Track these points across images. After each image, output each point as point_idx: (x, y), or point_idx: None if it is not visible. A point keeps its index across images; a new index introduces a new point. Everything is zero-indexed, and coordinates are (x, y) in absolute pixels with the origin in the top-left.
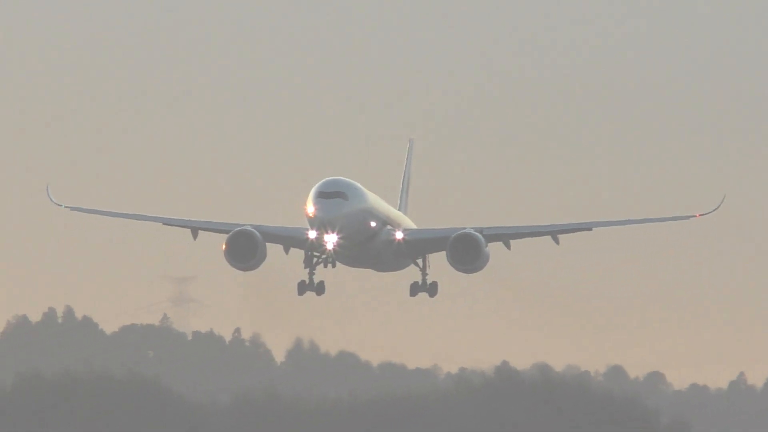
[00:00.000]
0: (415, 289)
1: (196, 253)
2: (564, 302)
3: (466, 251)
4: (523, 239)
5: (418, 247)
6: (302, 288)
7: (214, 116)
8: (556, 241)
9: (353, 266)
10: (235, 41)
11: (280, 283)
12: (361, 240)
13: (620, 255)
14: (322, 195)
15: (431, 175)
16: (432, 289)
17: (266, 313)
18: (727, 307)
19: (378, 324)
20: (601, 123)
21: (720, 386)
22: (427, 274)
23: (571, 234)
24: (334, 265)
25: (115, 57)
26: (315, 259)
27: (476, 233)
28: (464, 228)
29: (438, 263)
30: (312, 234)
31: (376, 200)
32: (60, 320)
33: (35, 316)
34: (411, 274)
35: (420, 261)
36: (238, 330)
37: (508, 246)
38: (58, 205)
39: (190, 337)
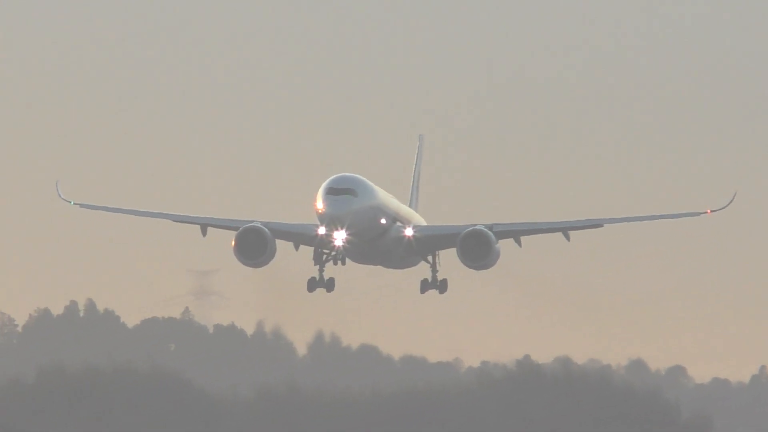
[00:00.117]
0: (425, 286)
1: (218, 246)
2: (581, 297)
3: (477, 248)
4: (533, 236)
5: (428, 244)
6: (312, 285)
7: (224, 113)
8: (567, 238)
9: (363, 263)
10: (248, 39)
11: (290, 280)
12: (371, 237)
13: (633, 251)
14: (332, 191)
15: (442, 171)
16: (442, 286)
17: (278, 310)
18: (749, 302)
19: (394, 319)
20: (613, 119)
21: (741, 380)
22: (437, 271)
23: (582, 231)
24: (343, 262)
25: (126, 55)
26: (324, 256)
27: (487, 230)
28: (475, 225)
29: (448, 260)
30: (321, 230)
31: (385, 197)
32: (82, 313)
33: (57, 310)
34: (421, 271)
35: (430, 258)
36: (260, 323)
37: (518, 243)
38: (67, 201)
39: (211, 331)
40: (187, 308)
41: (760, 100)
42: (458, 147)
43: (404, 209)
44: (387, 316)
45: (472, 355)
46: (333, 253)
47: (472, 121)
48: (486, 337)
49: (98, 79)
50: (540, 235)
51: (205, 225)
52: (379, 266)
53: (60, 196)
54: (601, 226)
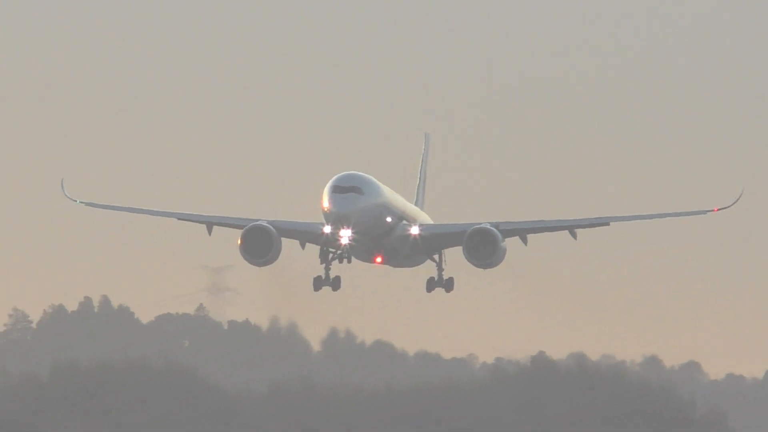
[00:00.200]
0: (431, 284)
1: (233, 243)
2: (591, 295)
3: (483, 246)
4: (540, 234)
5: (434, 242)
6: (318, 283)
7: (230, 112)
8: (574, 236)
9: (369, 262)
10: (253, 37)
11: (296, 279)
12: (377, 235)
13: (642, 249)
14: (338, 189)
15: (448, 170)
16: (448, 285)
17: (285, 308)
18: (762, 298)
19: (406, 316)
20: (619, 118)
21: (756, 376)
22: (443, 270)
23: (589, 229)
24: (349, 261)
25: (131, 54)
26: (330, 255)
27: (493, 228)
28: (481, 223)
29: (454, 259)
30: (327, 229)
31: (391, 195)
32: (96, 310)
33: (72, 306)
34: (427, 269)
35: (436, 256)
36: (274, 319)
37: (525, 241)
38: (73, 200)
39: (226, 327)
40: (201, 304)
41: (767, 98)
42: (464, 145)
43: (410, 207)
44: (398, 314)
45: (486, 352)
46: (339, 251)
47: (479, 120)
48: (499, 334)
49: (103, 79)
50: (546, 233)
51: (210, 224)
52: (385, 265)
53: (65, 194)
54: (608, 224)
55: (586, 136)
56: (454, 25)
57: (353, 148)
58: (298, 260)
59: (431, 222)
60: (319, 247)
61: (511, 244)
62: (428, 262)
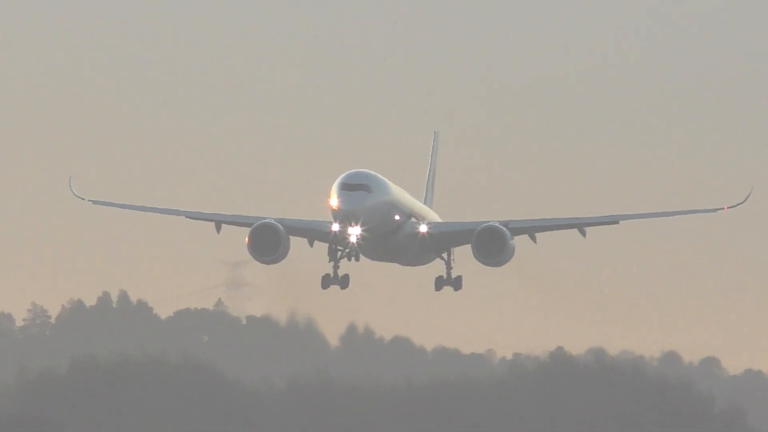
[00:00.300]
0: (440, 283)
1: (241, 241)
2: (605, 292)
3: (492, 244)
4: (548, 232)
5: (443, 240)
6: (326, 281)
7: (238, 110)
8: (583, 234)
9: (377, 260)
10: (263, 35)
11: (304, 276)
12: (385, 233)
13: (654, 247)
14: (346, 187)
15: (457, 168)
16: (457, 283)
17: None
18: None
19: (422, 313)
20: (629, 117)
21: None
22: (452, 268)
23: (598, 227)
24: (357, 259)
25: (140, 52)
26: (339, 253)
27: (501, 226)
28: (489, 221)
29: (462, 257)
30: (335, 227)
31: (400, 193)
32: (115, 305)
33: (90, 301)
34: (436, 268)
35: (445, 255)
36: (292, 314)
37: (533, 239)
38: (81, 198)
39: (244, 322)
40: (219, 300)
41: None
42: (473, 144)
43: (418, 205)
44: (411, 311)
45: (504, 348)
46: (347, 249)
47: (488, 118)
48: (517, 330)
49: (113, 78)
50: (555, 231)
51: (219, 222)
52: (393, 263)
53: (73, 193)
54: (617, 222)
55: (595, 135)
56: (465, 23)
57: (362, 147)
58: (307, 258)
59: (440, 220)
60: (327, 245)
61: (521, 242)
62: (437, 260)
